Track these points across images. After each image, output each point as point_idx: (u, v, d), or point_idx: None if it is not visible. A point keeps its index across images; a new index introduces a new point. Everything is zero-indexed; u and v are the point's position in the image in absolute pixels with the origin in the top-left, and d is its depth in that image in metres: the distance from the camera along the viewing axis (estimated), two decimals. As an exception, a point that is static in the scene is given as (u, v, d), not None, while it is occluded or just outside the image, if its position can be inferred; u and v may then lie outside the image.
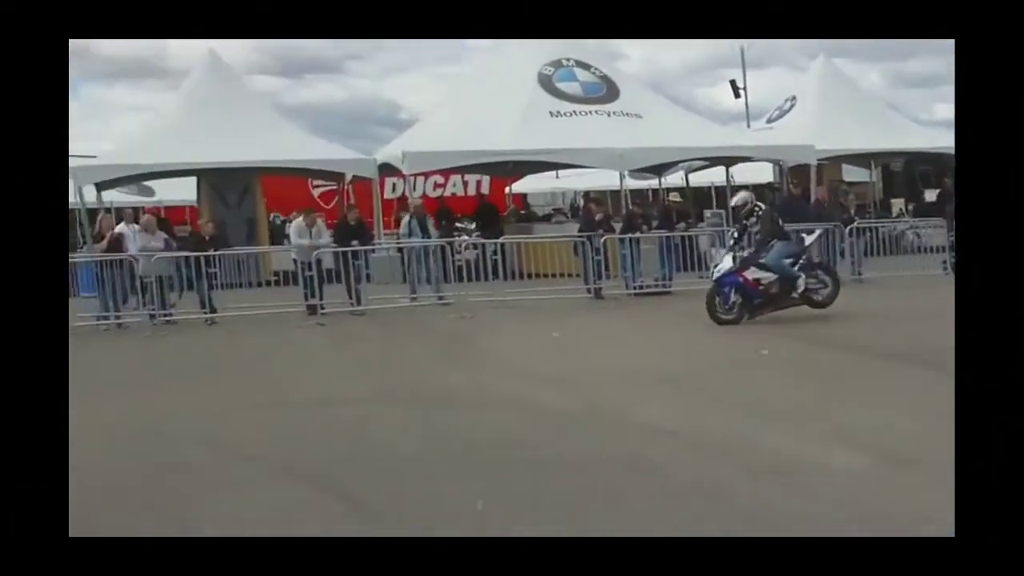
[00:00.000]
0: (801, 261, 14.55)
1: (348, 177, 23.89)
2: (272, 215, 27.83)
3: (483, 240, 19.83)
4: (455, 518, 5.91)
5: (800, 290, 14.33)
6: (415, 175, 23.63)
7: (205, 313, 16.84)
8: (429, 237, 18.69)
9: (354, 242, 17.69)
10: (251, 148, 22.13)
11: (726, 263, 14.41)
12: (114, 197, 27.08)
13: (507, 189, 31.09)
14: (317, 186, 29.73)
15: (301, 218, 18.35)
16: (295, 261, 17.99)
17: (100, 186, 23.57)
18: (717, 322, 14.00)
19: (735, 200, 15.47)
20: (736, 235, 14.98)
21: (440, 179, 31.70)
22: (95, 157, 24.91)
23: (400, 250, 20.02)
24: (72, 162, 24.41)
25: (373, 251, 18.91)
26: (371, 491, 6.68)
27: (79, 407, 9.92)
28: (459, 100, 23.92)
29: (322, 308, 16.87)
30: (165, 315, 16.70)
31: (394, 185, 28.60)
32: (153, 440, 8.62)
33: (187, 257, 17.04)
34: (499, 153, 22.82)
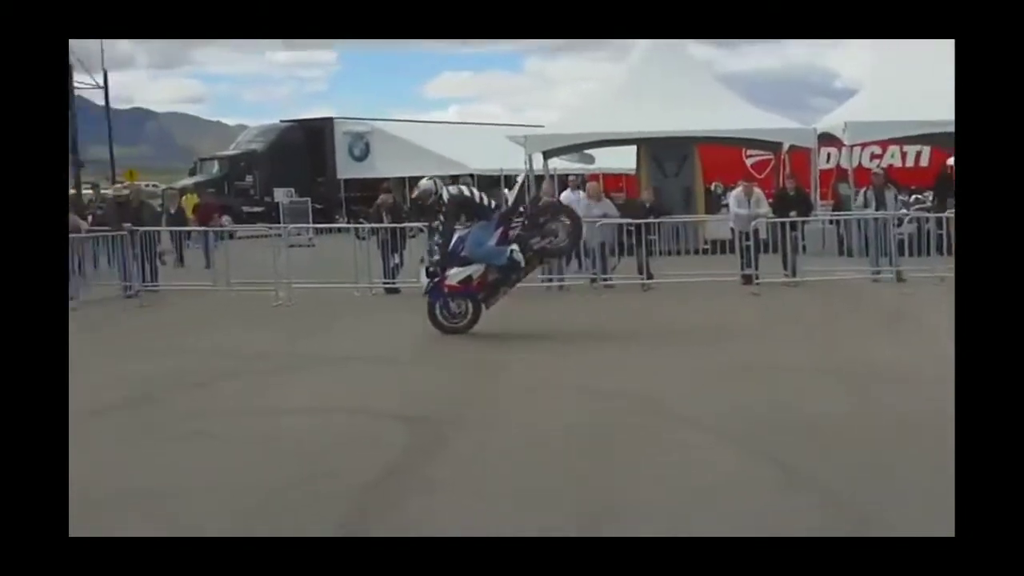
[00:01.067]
0: (516, 224, 12.59)
1: (785, 147, 23.65)
2: (713, 184, 28.11)
3: (926, 214, 19.00)
4: (893, 493, 5.86)
5: (520, 263, 12.57)
6: (854, 145, 23.01)
7: (642, 279, 17.38)
8: (886, 209, 18.16)
9: (792, 212, 17.56)
10: (692, 117, 22.43)
11: (422, 279, 12.83)
12: (557, 164, 28.38)
13: (948, 160, 29.45)
14: (750, 155, 29.62)
15: (740, 188, 18.44)
16: (732, 230, 18.13)
17: (546, 154, 24.83)
18: (443, 331, 12.64)
19: (415, 192, 13.49)
20: (436, 238, 12.86)
21: (878, 149, 30.50)
22: (543, 127, 26.30)
23: (836, 222, 19.62)
24: (522, 131, 26.00)
25: (807, 222, 18.68)
26: (801, 459, 6.74)
27: (517, 364, 10.77)
28: (904, 67, 22.88)
29: (757, 278, 16.89)
30: (605, 279, 17.40)
31: (829, 155, 27.95)
32: (588, 397, 9.13)
33: (628, 224, 17.65)
34: (950, 123, 21.65)
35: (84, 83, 42.74)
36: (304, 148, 43.17)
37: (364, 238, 18.71)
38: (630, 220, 17.75)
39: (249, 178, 40.75)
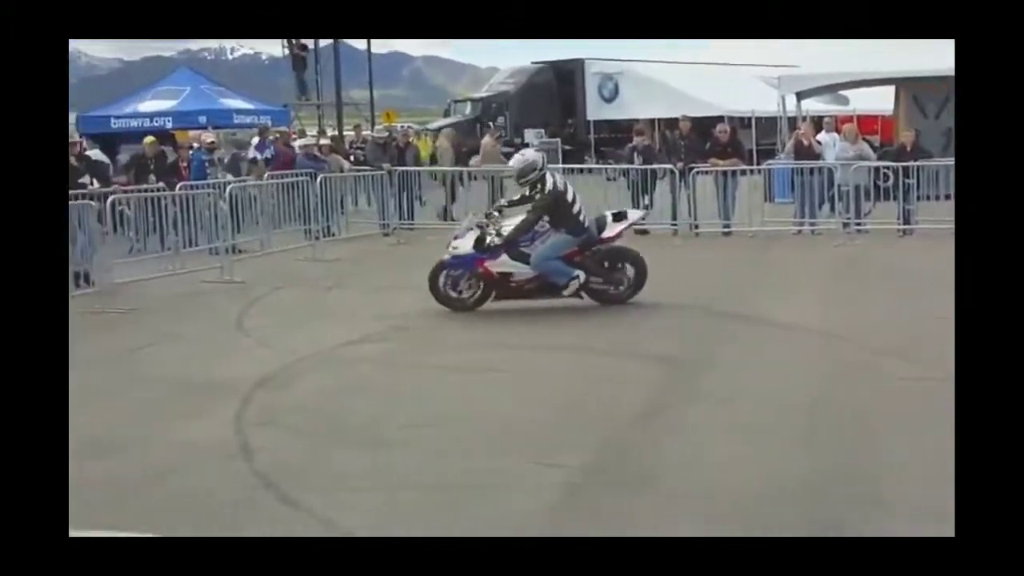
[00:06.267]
0: (592, 251, 11.13)
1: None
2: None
3: None
4: None
5: (571, 291, 10.99)
6: None
7: (899, 224, 16.82)
8: None
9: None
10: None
11: (466, 242, 11.01)
12: (810, 106, 27.67)
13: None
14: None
15: None
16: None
17: (800, 95, 24.25)
18: (444, 303, 11.11)
19: (516, 161, 11.61)
20: (512, 200, 11.96)
21: None
22: (798, 67, 25.70)
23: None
24: (775, 71, 25.47)
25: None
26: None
27: (767, 308, 10.70)
28: None
29: None
30: (858, 224, 16.94)
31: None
32: (837, 345, 9.04)
33: (884, 167, 17.10)
34: None
35: (347, 28, 44.48)
36: (555, 89, 43.54)
37: (613, 179, 18.88)
38: (888, 164, 17.18)
39: (501, 119, 41.49)
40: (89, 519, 4.78)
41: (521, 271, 10.99)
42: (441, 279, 11.08)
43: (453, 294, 11.09)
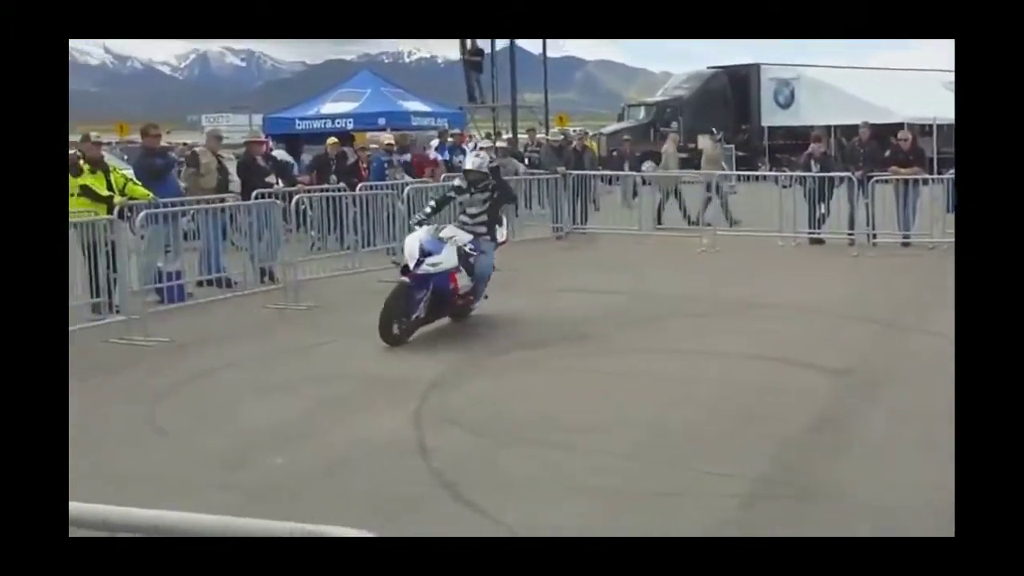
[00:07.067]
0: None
1: None
2: None
3: None
4: None
5: (477, 303, 10.70)
6: None
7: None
8: None
9: None
10: None
11: (447, 256, 10.01)
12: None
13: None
14: None
15: None
16: None
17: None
18: (389, 341, 9.68)
19: (476, 162, 11.14)
20: (435, 205, 11.08)
21: None
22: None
23: None
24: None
25: None
26: None
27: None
28: None
29: None
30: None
31: None
32: None
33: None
34: None
35: (523, 32, 44.91)
36: (729, 94, 43.11)
37: (787, 186, 18.59)
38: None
39: (674, 124, 41.30)
40: (262, 510, 5.03)
41: (465, 283, 10.49)
42: (399, 309, 9.90)
43: (400, 327, 9.88)
